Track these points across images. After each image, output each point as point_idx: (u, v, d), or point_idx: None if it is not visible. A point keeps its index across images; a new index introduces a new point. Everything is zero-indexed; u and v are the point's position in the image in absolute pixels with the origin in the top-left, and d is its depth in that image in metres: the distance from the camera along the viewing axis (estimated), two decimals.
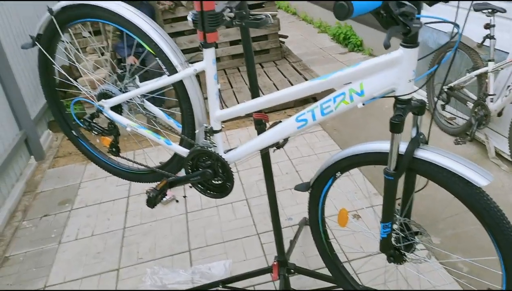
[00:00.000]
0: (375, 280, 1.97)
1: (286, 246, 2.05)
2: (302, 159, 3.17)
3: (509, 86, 2.66)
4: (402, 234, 1.28)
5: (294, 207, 2.66)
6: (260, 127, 1.54)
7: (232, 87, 4.53)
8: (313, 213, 1.46)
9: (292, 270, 1.88)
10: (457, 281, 1.24)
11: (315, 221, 1.48)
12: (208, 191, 1.51)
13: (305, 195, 2.82)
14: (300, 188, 1.43)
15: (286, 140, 1.44)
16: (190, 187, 2.96)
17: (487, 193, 1.05)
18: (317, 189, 1.41)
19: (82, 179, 3.26)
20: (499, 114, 2.79)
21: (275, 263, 1.89)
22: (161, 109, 1.57)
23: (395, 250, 1.30)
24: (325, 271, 2.17)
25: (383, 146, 1.18)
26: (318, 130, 3.54)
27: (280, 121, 1.37)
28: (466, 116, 3.04)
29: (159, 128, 1.55)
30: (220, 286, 2.02)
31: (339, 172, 1.33)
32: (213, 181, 1.49)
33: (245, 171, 3.05)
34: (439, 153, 1.11)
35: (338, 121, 3.64)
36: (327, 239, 1.51)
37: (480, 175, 1.04)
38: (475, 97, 2.91)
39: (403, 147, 1.13)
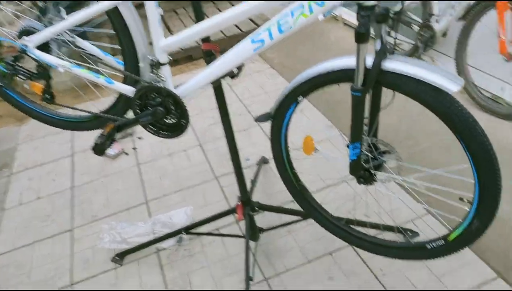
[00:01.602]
0: (344, 207, 1.96)
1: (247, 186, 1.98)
2: (253, 99, 3.08)
3: (453, 5, 2.65)
4: (371, 155, 1.23)
5: (250, 147, 2.59)
6: (211, 59, 1.41)
7: (171, 32, 4.26)
8: (277, 143, 1.38)
9: (256, 208, 1.83)
10: (429, 195, 1.23)
11: (279, 152, 1.40)
12: (162, 131, 1.38)
13: (260, 135, 2.78)
14: (261, 118, 1.33)
15: (240, 68, 1.32)
16: (139, 137, 2.85)
17: None
18: (279, 117, 1.32)
19: (17, 141, 2.99)
20: (444, 34, 2.80)
21: (238, 203, 1.82)
22: (93, 44, 1.38)
23: (364, 171, 1.25)
24: (289, 206, 2.17)
25: (347, 61, 1.10)
26: (266, 68, 3.43)
27: None
28: (412, 40, 3.03)
29: (97, 67, 1.38)
30: (183, 233, 1.94)
31: (301, 96, 1.24)
32: (166, 120, 1.36)
33: (196, 116, 2.92)
34: (407, 62, 1.04)
35: (286, 58, 3.54)
36: (292, 169, 1.45)
37: (451, 80, 0.98)
38: (420, 20, 2.88)
39: (369, 60, 1.05)
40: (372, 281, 1.74)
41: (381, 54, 1.04)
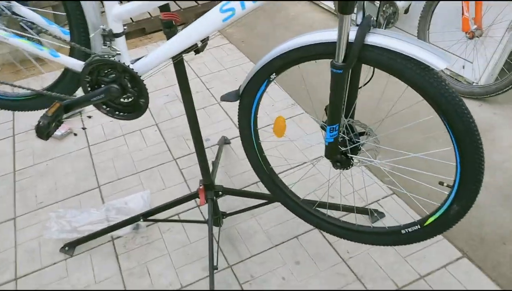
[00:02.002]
0: (314, 190, 1.90)
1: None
2: (211, 75, 2.93)
3: None
4: (347, 137, 1.15)
5: (210, 127, 2.47)
6: (171, 31, 1.26)
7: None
8: (245, 124, 1.27)
9: (220, 192, 1.72)
10: (407, 178, 1.18)
11: (248, 134, 1.29)
12: (117, 112, 1.24)
13: (220, 113, 2.66)
14: (228, 97, 1.21)
15: (205, 41, 1.19)
16: (89, 117, 2.64)
17: None
18: (248, 96, 1.21)
19: None
20: (406, 11, 2.76)
21: (200, 187, 1.70)
22: (35, 11, 1.20)
23: (341, 154, 1.17)
24: (253, 189, 2.08)
25: (328, 35, 1.00)
26: (224, 44, 3.28)
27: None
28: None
29: (39, 38, 1.20)
30: (141, 219, 1.81)
31: (274, 74, 1.13)
32: (122, 99, 1.21)
33: (151, 94, 2.73)
34: (392, 36, 0.95)
35: (245, 33, 3.40)
36: (262, 153, 1.35)
37: (439, 57, 0.91)
38: None
39: (352, 34, 0.96)
40: (339, 264, 1.70)
41: (365, 27, 0.95)
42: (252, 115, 1.24)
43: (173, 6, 3.48)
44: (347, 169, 1.19)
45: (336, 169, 1.20)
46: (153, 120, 2.57)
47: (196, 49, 1.17)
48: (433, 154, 1.08)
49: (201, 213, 1.95)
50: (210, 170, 1.75)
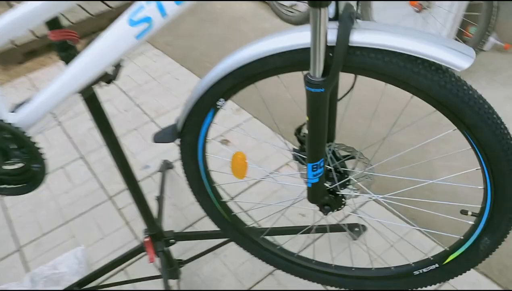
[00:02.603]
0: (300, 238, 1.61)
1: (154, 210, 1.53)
2: (139, 88, 2.55)
3: None
4: (333, 168, 0.86)
5: (147, 150, 2.11)
6: (69, 55, 0.90)
7: None
8: (192, 170, 0.95)
9: (172, 240, 1.39)
10: (417, 209, 0.92)
11: (197, 181, 0.97)
12: (3, 185, 0.86)
13: (155, 128, 2.29)
14: (162, 137, 0.88)
15: (118, 66, 0.85)
16: None
17: None
18: (191, 133, 0.88)
19: None
20: None
21: (146, 239, 1.36)
22: None
23: (329, 193, 0.88)
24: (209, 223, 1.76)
25: (295, 38, 0.69)
26: (149, 49, 2.90)
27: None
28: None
29: None
30: (76, 289, 1.44)
31: (221, 99, 0.81)
32: (6, 167, 0.83)
33: (70, 121, 2.32)
34: (383, 30, 0.67)
35: (169, 34, 3.03)
36: (220, 200, 1.03)
37: (457, 52, 0.64)
38: None
39: (330, 33, 0.66)
40: None
41: (347, 21, 0.65)
42: (200, 156, 0.92)
43: (79, 13, 3.02)
44: (338, 209, 0.91)
45: (325, 213, 0.91)
46: (77, 152, 2.16)
47: (109, 79, 0.82)
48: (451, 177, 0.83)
49: (156, 268, 1.61)
50: (155, 212, 1.41)
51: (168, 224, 1.76)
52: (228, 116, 2.24)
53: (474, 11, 2.11)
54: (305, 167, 0.87)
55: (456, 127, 0.71)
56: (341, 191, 0.88)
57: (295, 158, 0.90)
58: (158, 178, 1.94)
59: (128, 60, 2.77)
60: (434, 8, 2.17)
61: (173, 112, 2.32)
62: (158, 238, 1.37)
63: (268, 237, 1.14)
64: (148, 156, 2.08)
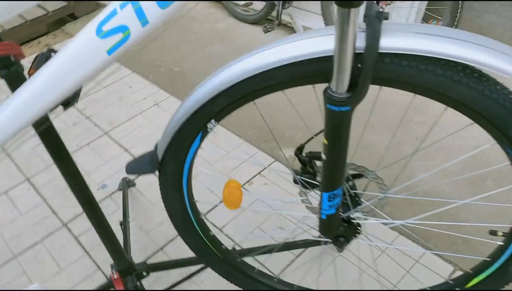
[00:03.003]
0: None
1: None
2: (87, 98, 2.33)
3: None
4: (348, 191, 0.74)
5: (103, 168, 1.91)
6: (12, 73, 0.73)
7: None
8: (175, 203, 0.80)
9: (144, 273, 1.23)
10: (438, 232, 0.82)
11: (182, 214, 0.82)
12: None
13: (112, 147, 2.07)
14: (138, 168, 0.73)
15: (77, 93, 0.68)
16: None
17: None
18: (174, 161, 0.73)
19: None
20: None
21: (114, 276, 1.19)
22: None
23: (344, 223, 0.76)
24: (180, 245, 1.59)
25: (310, 46, 0.56)
26: None
27: (53, 51, 0.61)
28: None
29: None
30: None
31: (212, 120, 0.67)
32: None
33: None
34: (415, 31, 0.55)
35: None
36: (208, 232, 0.88)
37: (507, 55, 0.53)
38: None
39: (359, 39, 0.54)
40: None
41: (377, 23, 0.53)
42: (185, 187, 0.77)
43: (14, 19, 2.73)
44: (354, 238, 0.79)
45: (340, 247, 0.79)
46: (22, 174, 1.92)
47: (66, 102, 0.65)
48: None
49: None
50: (121, 241, 1.24)
51: (135, 250, 1.58)
52: None
53: (436, 5, 2.09)
54: (309, 192, 0.75)
55: (496, 142, 0.62)
56: (358, 218, 0.76)
57: (297, 182, 0.78)
58: (118, 198, 1.76)
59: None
60: (397, 3, 2.12)
61: (128, 124, 2.13)
62: (128, 272, 1.21)
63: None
64: (105, 173, 1.89)
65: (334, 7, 2.19)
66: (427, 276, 1.27)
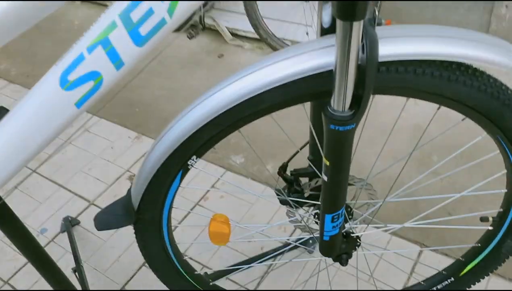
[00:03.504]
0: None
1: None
2: None
3: None
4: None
5: (39, 210, 1.73)
6: None
7: None
8: (156, 250, 0.71)
9: None
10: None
11: (165, 260, 0.73)
12: None
13: (45, 184, 1.88)
14: (111, 223, 0.63)
15: None
16: None
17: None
18: (153, 207, 0.64)
19: None
20: None
21: None
22: None
23: (343, 238, 0.73)
24: (142, 274, 1.47)
25: (304, 62, 0.51)
26: (2, 86, 2.41)
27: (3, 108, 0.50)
28: None
29: None
30: None
31: (194, 156, 0.60)
32: None
33: None
34: (410, 34, 0.53)
35: (25, 63, 2.57)
36: (192, 273, 0.81)
37: (499, 47, 0.53)
38: None
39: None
40: None
41: (372, 31, 0.49)
42: (165, 232, 0.69)
43: None
44: (354, 251, 0.76)
45: (344, 264, 0.75)
46: None
47: None
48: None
49: None
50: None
51: None
52: (128, 147, 1.95)
53: None
54: (295, 211, 0.70)
55: (486, 133, 0.61)
56: (356, 230, 0.73)
57: (284, 203, 0.73)
58: (62, 241, 1.60)
59: None
60: None
61: (57, 158, 1.94)
62: None
63: None
64: (42, 216, 1.71)
65: (258, 5, 2.16)
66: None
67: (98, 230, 0.65)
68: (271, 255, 1.11)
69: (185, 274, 0.79)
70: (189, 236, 1.56)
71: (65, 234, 1.58)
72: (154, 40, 0.44)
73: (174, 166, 0.61)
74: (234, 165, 1.81)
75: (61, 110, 0.44)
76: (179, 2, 0.41)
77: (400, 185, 0.77)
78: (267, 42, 2.23)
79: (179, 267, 0.77)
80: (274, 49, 2.25)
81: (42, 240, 1.62)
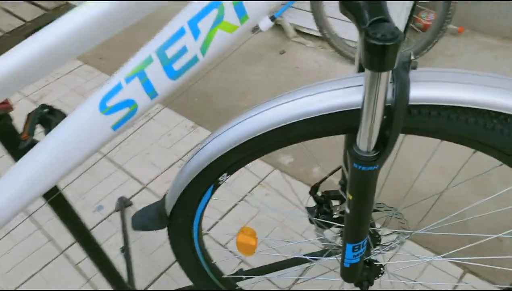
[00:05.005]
0: None
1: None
2: None
3: None
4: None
5: (98, 188, 1.86)
6: (11, 139, 0.68)
7: None
8: (187, 256, 0.76)
9: None
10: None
11: (194, 265, 0.78)
12: None
13: (107, 166, 2.03)
14: (146, 225, 0.68)
15: None
16: None
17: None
18: (183, 215, 0.69)
19: None
20: None
21: None
22: None
23: (365, 265, 0.73)
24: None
25: (333, 99, 0.52)
26: (77, 66, 2.58)
27: (45, 107, 0.56)
28: None
29: None
30: None
31: (226, 173, 0.63)
32: None
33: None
34: (447, 79, 0.51)
35: (100, 47, 2.71)
36: (219, 276, 0.85)
37: None
38: None
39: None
40: None
41: (404, 75, 0.49)
42: (195, 238, 0.73)
43: None
44: (377, 278, 0.76)
45: (364, 289, 0.76)
46: None
47: None
48: None
49: None
50: (123, 269, 1.21)
51: (138, 274, 1.54)
52: (184, 136, 2.03)
53: None
54: (325, 231, 0.71)
55: None
56: (380, 257, 0.73)
57: (311, 221, 0.74)
58: (115, 219, 1.71)
59: (58, 82, 2.44)
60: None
61: (118, 139, 2.06)
62: None
63: None
64: (99, 194, 1.83)
65: (324, 5, 2.14)
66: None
67: (134, 229, 0.71)
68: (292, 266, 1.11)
69: (213, 277, 0.83)
70: (232, 228, 1.61)
71: (118, 213, 1.68)
72: (186, 74, 0.47)
73: (206, 180, 0.64)
74: (282, 164, 1.83)
75: (99, 131, 0.49)
76: (212, 42, 0.43)
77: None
78: (330, 42, 2.21)
79: (208, 271, 0.81)
80: (337, 50, 2.22)
81: (97, 217, 1.74)
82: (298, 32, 2.49)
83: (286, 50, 2.43)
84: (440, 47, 2.18)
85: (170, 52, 0.45)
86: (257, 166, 1.82)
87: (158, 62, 0.46)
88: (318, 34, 2.27)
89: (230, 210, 1.68)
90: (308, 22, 2.32)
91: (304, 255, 0.93)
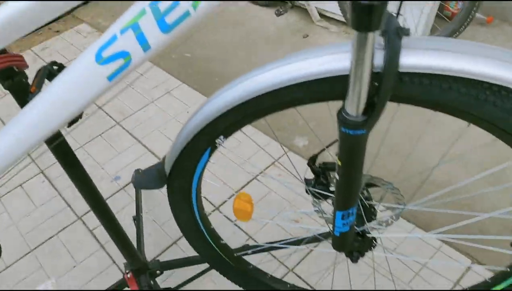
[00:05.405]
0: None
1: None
2: None
3: None
4: (362, 204, 0.72)
5: (115, 159, 1.91)
6: (16, 83, 0.71)
7: None
8: (185, 216, 0.78)
9: (158, 272, 1.23)
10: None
11: (192, 226, 0.80)
12: None
13: (126, 138, 2.08)
14: (145, 182, 0.71)
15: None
16: None
17: None
18: (181, 176, 0.71)
19: None
20: None
21: (128, 275, 1.19)
22: None
23: (357, 236, 0.74)
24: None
25: (321, 64, 0.53)
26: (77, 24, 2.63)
27: (55, 64, 0.58)
28: None
29: None
30: None
31: (222, 136, 0.64)
32: None
33: None
34: (442, 48, 0.51)
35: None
36: (219, 241, 0.87)
37: None
38: None
39: (377, 57, 0.50)
40: None
41: (396, 39, 0.49)
42: (194, 201, 0.75)
43: None
44: (369, 250, 0.77)
45: (355, 260, 0.77)
46: (36, 166, 1.93)
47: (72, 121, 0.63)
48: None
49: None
50: (134, 237, 1.25)
51: (149, 244, 1.59)
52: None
53: None
54: (322, 202, 0.72)
55: None
56: (374, 231, 0.74)
57: (309, 192, 0.76)
58: (131, 190, 1.75)
59: (68, 46, 2.50)
60: None
61: (139, 114, 2.11)
62: (142, 271, 1.21)
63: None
64: (117, 165, 1.88)
65: None
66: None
67: (134, 186, 0.74)
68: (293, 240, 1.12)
69: (211, 242, 0.86)
70: None
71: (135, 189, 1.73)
72: (179, 29, 0.49)
73: (203, 142, 0.66)
74: (297, 146, 1.83)
75: (96, 81, 0.51)
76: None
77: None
78: None
79: (206, 235, 0.84)
80: None
81: (114, 187, 1.80)
82: (322, 16, 2.47)
83: (309, 34, 2.42)
84: (468, 37, 2.13)
85: (163, 5, 0.47)
86: (272, 147, 1.83)
87: (151, 14, 0.47)
88: (342, 19, 2.25)
89: (242, 188, 1.70)
90: (332, 7, 2.30)
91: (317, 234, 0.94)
